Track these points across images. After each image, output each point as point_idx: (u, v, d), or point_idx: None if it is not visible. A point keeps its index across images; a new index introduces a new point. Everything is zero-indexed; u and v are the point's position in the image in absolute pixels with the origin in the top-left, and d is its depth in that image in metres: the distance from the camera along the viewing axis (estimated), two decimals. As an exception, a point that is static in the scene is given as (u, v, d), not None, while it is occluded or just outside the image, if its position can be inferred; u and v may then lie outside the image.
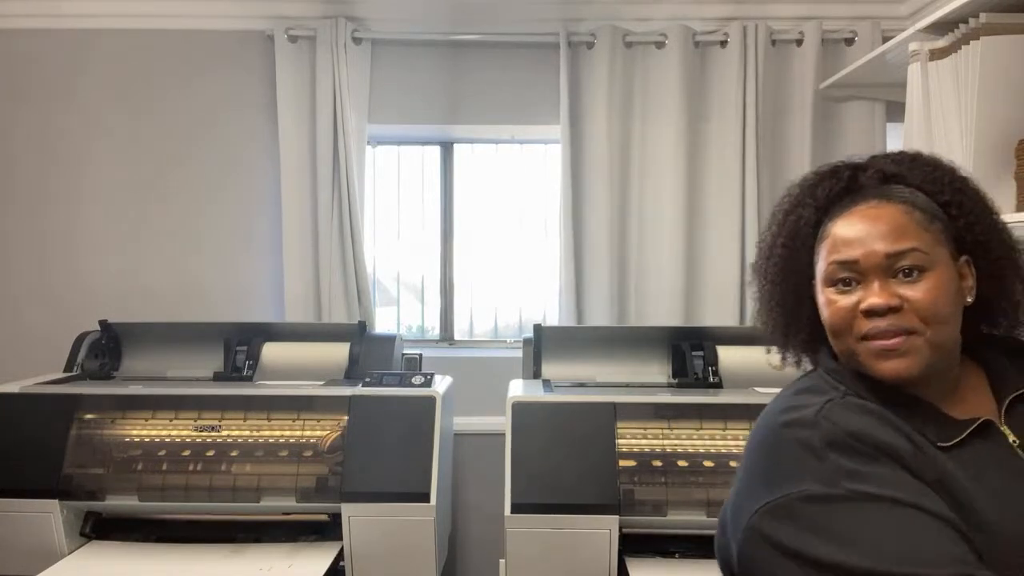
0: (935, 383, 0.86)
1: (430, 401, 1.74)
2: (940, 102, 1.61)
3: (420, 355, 2.20)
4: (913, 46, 1.68)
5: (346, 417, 1.73)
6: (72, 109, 2.40)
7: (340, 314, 2.34)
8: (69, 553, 1.68)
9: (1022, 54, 1.45)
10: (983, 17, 1.46)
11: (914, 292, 0.83)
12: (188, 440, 1.74)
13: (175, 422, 1.76)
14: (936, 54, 1.62)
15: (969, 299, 0.87)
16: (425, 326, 2.66)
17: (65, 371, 2.04)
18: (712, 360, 1.93)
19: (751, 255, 2.26)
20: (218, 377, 2.05)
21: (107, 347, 2.11)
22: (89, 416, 1.76)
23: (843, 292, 0.86)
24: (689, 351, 1.95)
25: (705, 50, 2.35)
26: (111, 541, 1.74)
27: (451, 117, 2.45)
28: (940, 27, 1.61)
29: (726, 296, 2.31)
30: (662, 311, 2.33)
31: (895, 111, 2.21)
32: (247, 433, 1.74)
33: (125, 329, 2.14)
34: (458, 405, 2.20)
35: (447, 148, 2.62)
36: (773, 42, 2.33)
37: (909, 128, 1.73)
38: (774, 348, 1.00)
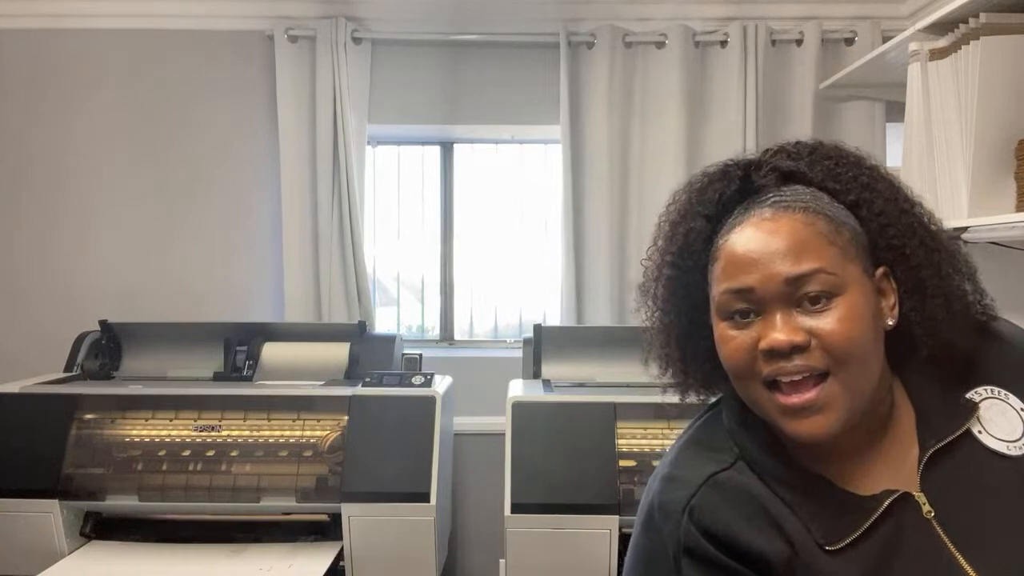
0: (857, 432, 0.72)
1: (430, 401, 1.74)
2: (940, 102, 1.61)
3: (420, 355, 2.20)
4: (913, 46, 1.67)
5: (346, 417, 1.73)
6: (71, 110, 2.40)
7: (340, 314, 2.34)
8: (69, 553, 1.68)
9: (1022, 54, 1.45)
10: (983, 17, 1.46)
11: (823, 324, 0.68)
12: (188, 440, 1.74)
13: (175, 422, 1.76)
14: (936, 54, 1.62)
15: (890, 322, 0.73)
16: (425, 326, 2.66)
17: (65, 371, 2.04)
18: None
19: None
20: (218, 377, 2.05)
21: (107, 347, 2.11)
22: (89, 416, 1.76)
23: (740, 326, 0.72)
24: (689, 351, 1.95)
25: (705, 50, 2.35)
26: (111, 541, 1.74)
27: (451, 117, 2.45)
28: (940, 27, 1.61)
29: (726, 296, 2.31)
30: (662, 311, 2.33)
31: (895, 111, 2.21)
32: (247, 433, 1.74)
33: (125, 329, 2.14)
34: (458, 405, 2.20)
35: (447, 148, 2.62)
36: (773, 42, 2.32)
37: (909, 128, 1.73)
38: (669, 388, 0.85)
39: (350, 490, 1.66)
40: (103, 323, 2.12)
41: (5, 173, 2.42)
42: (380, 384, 1.81)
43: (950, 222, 1.57)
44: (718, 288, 0.74)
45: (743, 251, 0.72)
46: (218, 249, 2.43)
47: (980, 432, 0.72)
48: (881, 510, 0.69)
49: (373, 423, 1.72)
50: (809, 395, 0.68)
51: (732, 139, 2.30)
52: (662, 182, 2.33)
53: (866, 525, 0.68)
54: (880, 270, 0.73)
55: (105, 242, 2.42)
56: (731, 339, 0.72)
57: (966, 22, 1.51)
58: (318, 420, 1.75)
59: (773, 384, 0.70)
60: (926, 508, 0.70)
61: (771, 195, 0.74)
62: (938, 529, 0.69)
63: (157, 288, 2.41)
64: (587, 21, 2.36)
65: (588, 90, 2.35)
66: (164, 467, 1.71)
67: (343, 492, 1.66)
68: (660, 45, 2.34)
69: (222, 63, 2.41)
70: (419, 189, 2.63)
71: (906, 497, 0.70)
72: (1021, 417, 0.73)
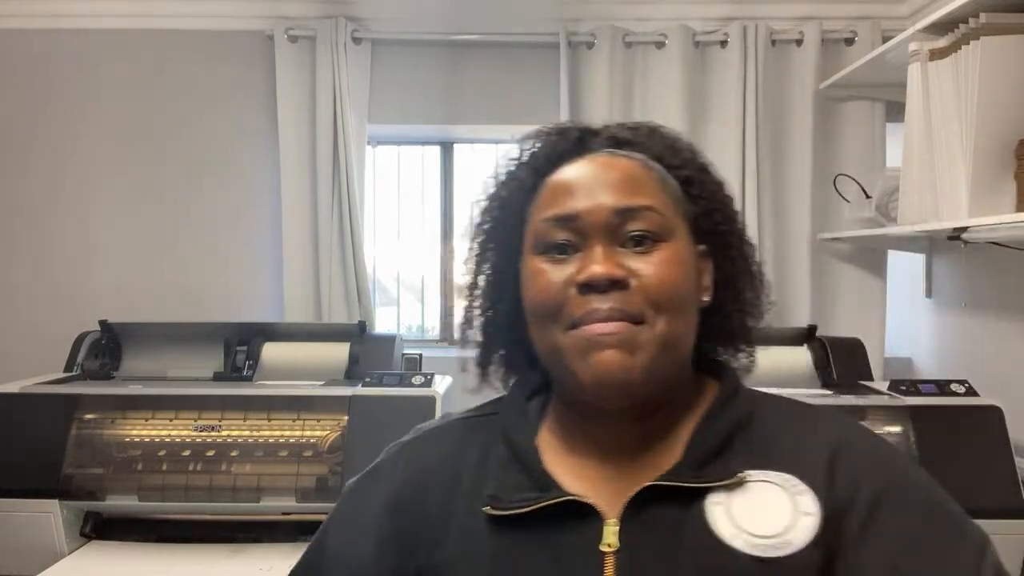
0: (625, 421, 0.65)
1: (430, 401, 1.74)
2: (940, 102, 1.61)
3: (420, 355, 2.20)
4: (913, 46, 1.68)
5: (346, 417, 1.73)
6: (71, 108, 2.40)
7: (340, 314, 2.34)
8: (69, 553, 1.68)
9: (1022, 54, 1.45)
10: (983, 17, 1.46)
11: (646, 265, 0.62)
12: (188, 440, 1.73)
13: (175, 422, 1.76)
14: (936, 54, 1.62)
15: (705, 298, 0.69)
16: (425, 326, 2.66)
17: (65, 371, 2.04)
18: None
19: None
20: (218, 377, 2.04)
21: (107, 347, 2.11)
22: (89, 416, 1.76)
23: (556, 261, 0.65)
24: (689, 351, 1.95)
25: (705, 50, 2.35)
26: (111, 541, 1.74)
27: (451, 117, 2.45)
28: (940, 27, 1.61)
29: (726, 296, 2.31)
30: (662, 311, 2.33)
31: (895, 111, 2.21)
32: (247, 433, 1.74)
33: (125, 329, 2.13)
34: (458, 405, 2.20)
35: (447, 148, 2.62)
36: (773, 42, 2.32)
37: (909, 128, 1.73)
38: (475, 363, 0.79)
39: (350, 490, 1.66)
40: (103, 323, 2.12)
41: (4, 173, 2.41)
42: (380, 384, 1.81)
43: (950, 222, 1.57)
44: (538, 217, 0.67)
45: (572, 177, 0.67)
46: (218, 249, 2.43)
47: (718, 504, 0.61)
48: (550, 502, 0.62)
49: (373, 423, 1.72)
50: (618, 325, 0.61)
51: (732, 139, 2.30)
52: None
53: (530, 508, 0.61)
54: (701, 247, 0.70)
55: (105, 242, 2.42)
56: (542, 273, 0.65)
57: (966, 22, 1.51)
58: (318, 420, 1.75)
59: (577, 326, 0.62)
60: (608, 541, 0.60)
61: (607, 149, 0.71)
62: (609, 569, 0.59)
63: (157, 288, 2.41)
64: (587, 21, 2.36)
65: (588, 90, 2.35)
66: (164, 467, 1.70)
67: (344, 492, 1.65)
68: (660, 45, 2.33)
69: (222, 63, 2.41)
70: (419, 189, 2.63)
71: (589, 510, 0.62)
72: (795, 519, 0.59)
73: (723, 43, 2.33)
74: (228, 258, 2.43)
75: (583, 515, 0.62)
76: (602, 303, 0.61)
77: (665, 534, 0.60)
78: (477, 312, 0.76)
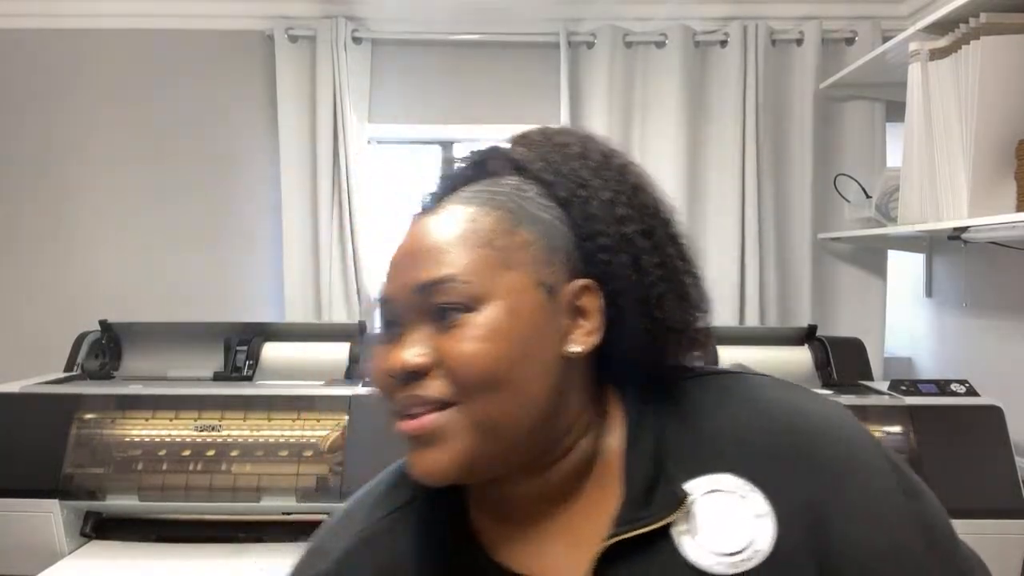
0: (531, 491, 0.60)
1: (430, 401, 1.74)
2: (940, 102, 1.61)
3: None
4: (913, 46, 1.68)
5: (346, 417, 1.73)
6: (71, 109, 2.40)
7: (340, 314, 2.34)
8: (69, 553, 1.68)
9: (1022, 54, 1.45)
10: (983, 17, 1.46)
11: (449, 344, 0.56)
12: (188, 440, 1.74)
13: (175, 422, 1.76)
14: (936, 54, 1.62)
15: (575, 348, 0.59)
16: (425, 326, 2.65)
17: (65, 371, 2.04)
18: (712, 360, 1.93)
19: (751, 254, 2.28)
20: (218, 377, 2.04)
21: (107, 347, 2.11)
22: (89, 416, 1.76)
23: (387, 342, 0.60)
24: (689, 351, 1.95)
25: (705, 50, 2.35)
26: (111, 541, 1.74)
27: (451, 117, 2.45)
28: (940, 27, 1.61)
29: (725, 296, 2.31)
30: (662, 311, 2.33)
31: (895, 111, 2.21)
32: (247, 433, 1.74)
33: (125, 329, 2.13)
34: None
35: (447, 148, 2.62)
36: (773, 42, 2.32)
37: (909, 128, 1.74)
38: None
39: (350, 490, 1.64)
40: (103, 323, 2.12)
41: (4, 173, 2.41)
42: (380, 384, 1.80)
43: (950, 222, 1.57)
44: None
45: (395, 251, 0.63)
46: (218, 249, 2.43)
47: (684, 533, 0.56)
48: None
49: (373, 423, 1.72)
50: (418, 423, 0.57)
51: (732, 139, 2.30)
52: (662, 181, 2.32)
53: None
54: (579, 283, 0.60)
55: (105, 242, 2.42)
56: (375, 357, 0.61)
57: (966, 22, 1.51)
58: (318, 420, 1.75)
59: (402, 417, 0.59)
60: None
61: (473, 186, 0.64)
62: None
63: (157, 288, 2.41)
64: (587, 21, 2.36)
65: (588, 90, 2.35)
66: (164, 467, 1.70)
67: (343, 492, 1.66)
68: (660, 45, 2.33)
69: (222, 63, 2.41)
70: (419, 189, 2.62)
71: None
72: (753, 524, 0.56)
73: (723, 43, 2.33)
74: (228, 258, 2.43)
75: None
76: (403, 392, 0.58)
77: None
78: None
